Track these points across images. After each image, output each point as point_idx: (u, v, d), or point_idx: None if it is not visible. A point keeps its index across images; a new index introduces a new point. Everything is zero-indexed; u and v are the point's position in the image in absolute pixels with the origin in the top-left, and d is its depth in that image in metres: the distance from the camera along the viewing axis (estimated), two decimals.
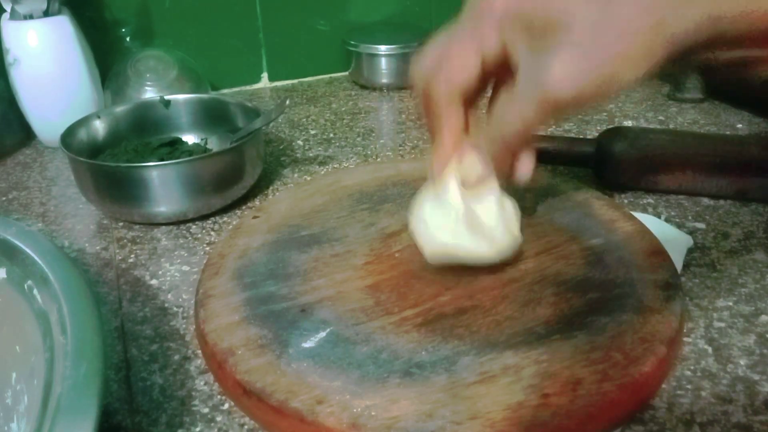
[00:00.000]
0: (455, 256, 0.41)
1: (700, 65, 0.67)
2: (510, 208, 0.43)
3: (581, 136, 0.69)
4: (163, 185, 0.53)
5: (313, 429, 0.33)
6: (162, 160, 0.58)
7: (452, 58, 0.38)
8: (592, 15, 0.32)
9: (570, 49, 0.33)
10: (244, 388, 0.35)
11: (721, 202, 0.55)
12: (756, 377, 0.37)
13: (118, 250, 0.53)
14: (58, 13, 0.68)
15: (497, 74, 0.39)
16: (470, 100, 0.40)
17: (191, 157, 0.56)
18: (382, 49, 0.84)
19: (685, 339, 0.40)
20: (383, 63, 0.84)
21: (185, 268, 0.50)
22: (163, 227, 0.55)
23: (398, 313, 0.40)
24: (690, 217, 0.53)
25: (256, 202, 0.59)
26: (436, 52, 0.39)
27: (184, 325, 0.44)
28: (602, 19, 0.32)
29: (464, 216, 0.41)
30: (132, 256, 0.52)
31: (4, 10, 0.67)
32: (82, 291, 0.34)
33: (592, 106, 0.34)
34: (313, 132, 0.74)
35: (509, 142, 0.38)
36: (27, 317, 0.35)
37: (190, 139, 0.65)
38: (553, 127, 0.73)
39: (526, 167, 0.41)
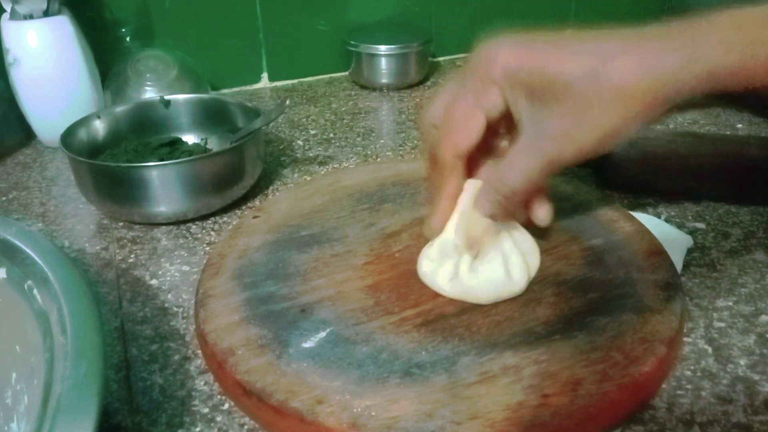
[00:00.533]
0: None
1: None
2: (519, 256, 0.42)
3: None
4: (163, 185, 0.53)
5: (313, 429, 0.33)
6: (162, 160, 0.58)
7: (457, 122, 0.39)
8: (589, 75, 0.33)
9: (569, 108, 0.34)
10: (244, 388, 0.35)
11: (721, 202, 0.55)
12: (756, 377, 0.37)
13: (118, 250, 0.53)
14: (58, 13, 0.67)
15: (505, 123, 0.40)
16: (480, 149, 0.41)
17: (191, 157, 0.56)
18: (382, 49, 0.84)
19: (685, 339, 0.40)
20: (383, 63, 0.84)
21: (185, 268, 0.50)
22: (163, 227, 0.55)
23: (398, 313, 0.40)
24: (690, 217, 0.53)
25: (256, 202, 0.59)
26: (442, 107, 0.40)
27: (184, 325, 0.44)
28: (599, 79, 0.33)
29: (460, 263, 0.41)
30: (132, 256, 0.52)
31: (4, 10, 0.67)
32: (82, 291, 0.34)
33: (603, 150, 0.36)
34: (313, 132, 0.74)
35: (515, 196, 0.39)
36: (27, 317, 0.35)
37: (190, 139, 0.65)
38: None
39: (543, 212, 0.42)
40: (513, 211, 0.42)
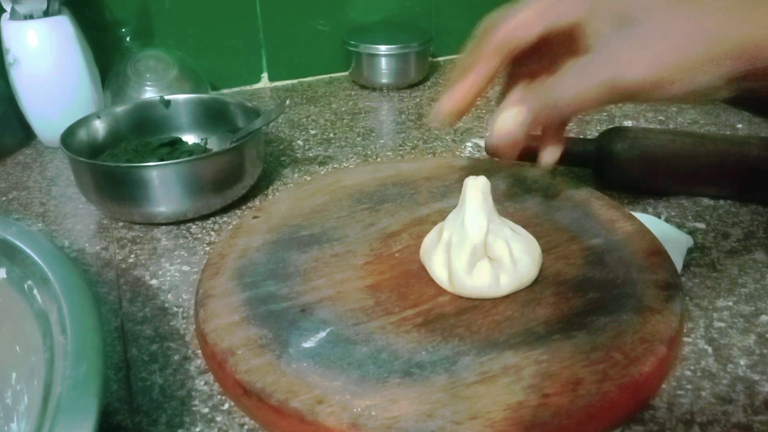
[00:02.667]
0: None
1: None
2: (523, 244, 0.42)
3: (581, 136, 0.69)
4: (163, 185, 0.53)
5: (313, 429, 0.33)
6: (162, 160, 0.58)
7: (519, 16, 0.38)
8: (668, 12, 0.33)
9: (644, 36, 0.34)
10: (244, 388, 0.35)
11: (721, 202, 0.55)
12: (756, 377, 0.37)
13: (118, 250, 0.53)
14: (58, 13, 0.67)
15: (537, 56, 0.39)
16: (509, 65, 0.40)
17: (191, 157, 0.56)
18: (382, 49, 0.84)
19: (685, 339, 0.40)
20: (383, 63, 0.84)
21: (185, 268, 0.50)
22: (163, 227, 0.55)
23: (398, 313, 0.40)
24: (690, 217, 0.53)
25: (256, 202, 0.59)
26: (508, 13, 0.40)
27: (184, 325, 0.44)
28: (677, 18, 0.33)
29: (476, 251, 0.41)
30: (132, 256, 0.52)
31: (4, 10, 0.67)
32: (82, 291, 0.34)
33: (651, 99, 0.35)
34: (313, 132, 0.74)
35: (558, 108, 0.37)
36: (27, 317, 0.35)
37: (190, 139, 0.65)
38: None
39: (551, 156, 0.42)
40: (546, 124, 0.40)
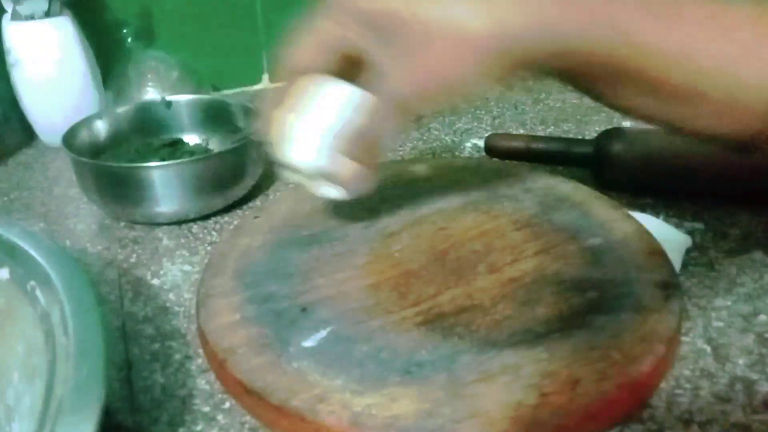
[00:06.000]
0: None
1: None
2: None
3: (580, 137, 0.69)
4: (165, 185, 0.53)
5: (314, 427, 0.33)
6: (163, 160, 0.58)
7: (297, 54, 0.40)
8: (429, 16, 0.32)
9: (408, 51, 0.33)
10: (245, 387, 0.35)
11: (720, 202, 0.55)
12: (754, 377, 0.37)
13: (119, 250, 0.53)
14: (60, 14, 0.68)
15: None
16: None
17: (193, 158, 0.56)
18: None
19: (684, 338, 0.40)
20: None
21: (187, 267, 0.50)
22: (165, 227, 0.56)
23: (398, 312, 0.40)
24: (689, 217, 0.53)
25: (257, 202, 0.60)
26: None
27: (185, 325, 0.44)
28: (445, 16, 0.32)
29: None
30: (134, 255, 0.52)
31: (6, 11, 0.67)
32: (84, 291, 0.35)
33: (449, 103, 0.36)
34: None
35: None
36: (29, 317, 0.36)
37: (191, 139, 0.66)
38: (551, 127, 0.73)
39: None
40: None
